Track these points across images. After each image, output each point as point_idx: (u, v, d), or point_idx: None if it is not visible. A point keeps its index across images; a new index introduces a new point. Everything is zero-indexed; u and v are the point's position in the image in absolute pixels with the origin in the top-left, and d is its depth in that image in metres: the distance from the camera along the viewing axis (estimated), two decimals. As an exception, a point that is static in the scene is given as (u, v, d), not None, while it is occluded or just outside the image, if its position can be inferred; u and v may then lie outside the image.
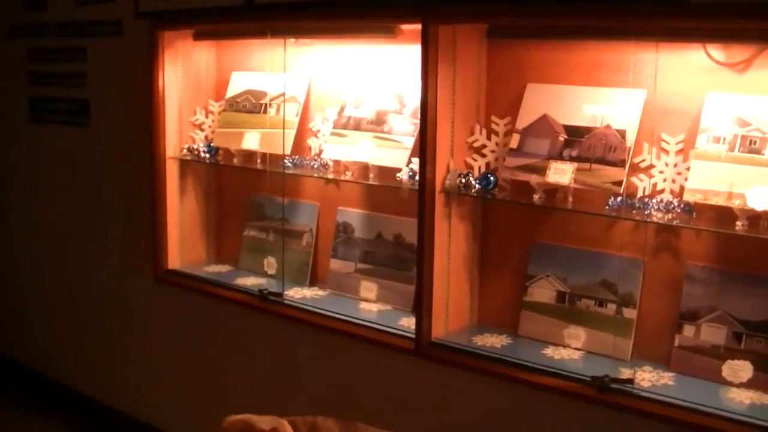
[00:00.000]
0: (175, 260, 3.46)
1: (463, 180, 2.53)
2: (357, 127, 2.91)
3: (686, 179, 2.21)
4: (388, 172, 2.77)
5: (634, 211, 2.28)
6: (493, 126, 2.60)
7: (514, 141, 2.51)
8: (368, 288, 2.96)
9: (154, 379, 3.63)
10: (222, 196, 3.58)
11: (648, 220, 2.26)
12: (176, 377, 3.52)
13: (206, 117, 3.45)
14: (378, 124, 2.85)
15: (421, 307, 2.57)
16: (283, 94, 3.11)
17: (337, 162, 2.96)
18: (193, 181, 3.49)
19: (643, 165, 2.32)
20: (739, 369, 2.18)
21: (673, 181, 2.28)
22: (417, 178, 2.56)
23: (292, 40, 3.07)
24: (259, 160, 3.20)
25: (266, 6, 2.86)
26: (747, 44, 2.15)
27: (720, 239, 2.25)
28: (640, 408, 2.15)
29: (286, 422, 1.83)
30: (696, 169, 2.18)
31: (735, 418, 2.03)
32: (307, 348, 2.96)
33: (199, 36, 3.36)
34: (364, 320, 2.79)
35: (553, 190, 2.45)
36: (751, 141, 2.12)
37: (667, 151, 2.29)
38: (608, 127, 2.35)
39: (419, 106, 2.51)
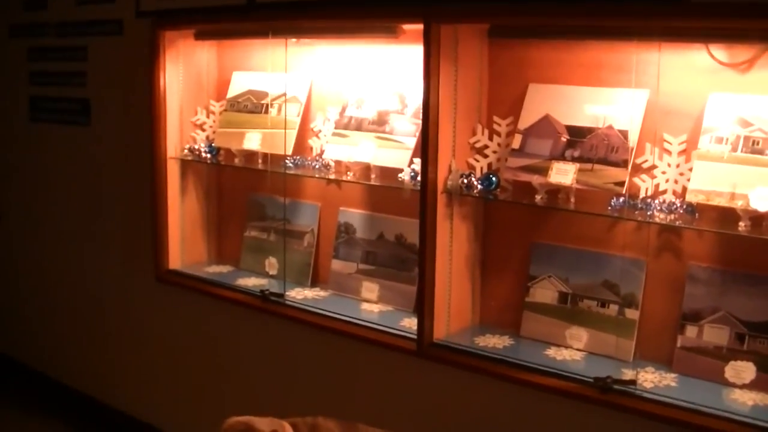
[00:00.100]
0: (176, 260, 3.45)
1: (465, 180, 2.53)
2: (359, 127, 2.90)
3: (689, 180, 2.21)
4: (389, 173, 2.77)
5: (636, 212, 2.28)
6: (495, 126, 2.59)
7: (516, 141, 2.51)
8: (370, 288, 2.96)
9: (155, 379, 3.63)
10: (223, 197, 3.57)
11: (650, 220, 2.26)
12: (177, 377, 3.52)
13: (207, 117, 3.44)
14: (380, 124, 2.85)
15: (422, 307, 2.57)
16: (285, 94, 3.11)
17: (338, 162, 2.95)
18: (194, 181, 3.49)
19: (645, 165, 2.32)
20: (742, 370, 2.17)
21: (676, 181, 2.27)
22: (419, 178, 2.55)
23: (294, 39, 3.06)
24: (260, 161, 3.20)
25: (268, 5, 2.85)
26: (750, 44, 2.15)
27: (723, 240, 2.24)
28: (643, 409, 2.15)
29: (286, 424, 1.82)
30: (698, 169, 2.18)
31: (738, 420, 2.03)
32: (309, 349, 2.96)
33: (200, 35, 3.36)
34: (365, 321, 2.78)
35: (555, 191, 2.44)
36: (753, 141, 2.12)
37: (669, 152, 2.28)
38: (610, 127, 2.35)
39: (421, 107, 2.51)
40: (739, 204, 2.09)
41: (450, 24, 2.46)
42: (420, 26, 2.46)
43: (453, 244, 2.60)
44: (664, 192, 2.28)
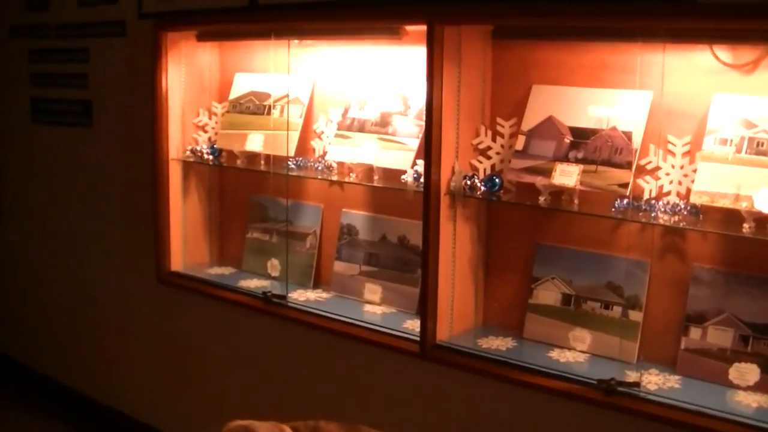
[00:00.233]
0: (177, 262, 3.45)
1: (469, 182, 2.52)
2: (361, 128, 2.90)
3: (693, 181, 2.20)
4: (392, 174, 2.76)
5: (640, 213, 2.27)
6: (499, 128, 2.59)
7: (520, 143, 2.50)
8: (372, 290, 2.95)
9: (156, 380, 3.62)
10: (225, 198, 3.57)
11: (654, 222, 2.26)
12: (178, 379, 3.51)
13: (209, 118, 3.44)
14: (382, 125, 2.85)
15: (425, 309, 2.56)
16: (287, 96, 3.11)
17: (341, 164, 2.94)
18: (196, 183, 3.48)
19: (649, 167, 2.31)
20: (746, 372, 2.17)
21: (680, 183, 2.27)
22: (422, 180, 2.55)
23: (296, 41, 3.06)
24: (262, 162, 3.19)
25: (270, 7, 2.85)
26: (754, 45, 2.14)
27: (727, 241, 2.24)
28: (647, 411, 2.14)
29: (287, 428, 1.81)
30: (703, 171, 2.17)
31: (742, 422, 2.02)
32: (311, 350, 2.95)
33: (202, 37, 3.35)
34: (368, 323, 2.78)
35: (558, 192, 2.44)
36: (758, 143, 2.11)
37: (673, 153, 2.28)
38: (614, 128, 2.34)
39: (424, 108, 2.50)
40: (743, 205, 2.08)
41: (453, 25, 2.46)
42: (423, 27, 2.45)
43: (456, 245, 2.60)
44: (668, 193, 2.28)
